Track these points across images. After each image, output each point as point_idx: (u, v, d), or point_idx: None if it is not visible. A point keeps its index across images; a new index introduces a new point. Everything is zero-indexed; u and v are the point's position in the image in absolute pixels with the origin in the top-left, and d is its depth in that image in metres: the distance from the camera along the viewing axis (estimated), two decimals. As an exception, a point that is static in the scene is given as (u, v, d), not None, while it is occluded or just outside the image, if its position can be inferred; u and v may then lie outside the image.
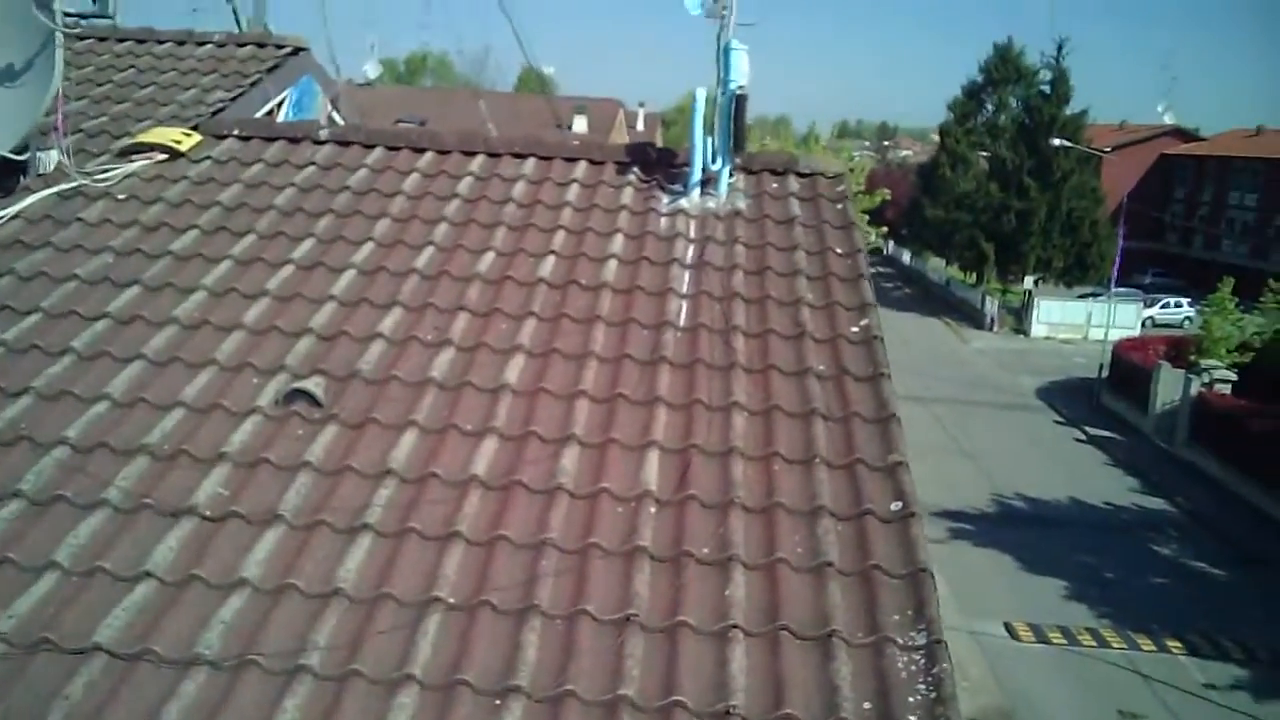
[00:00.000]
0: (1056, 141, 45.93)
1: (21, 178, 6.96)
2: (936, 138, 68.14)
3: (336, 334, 5.52)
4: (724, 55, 7.06)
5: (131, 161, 7.30)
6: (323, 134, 7.84)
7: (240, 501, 4.31)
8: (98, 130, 7.84)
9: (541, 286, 6.04)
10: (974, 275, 58.36)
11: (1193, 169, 69.70)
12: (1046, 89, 53.68)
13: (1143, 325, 50.95)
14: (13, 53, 6.71)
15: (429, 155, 7.61)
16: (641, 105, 62.38)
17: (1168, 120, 75.23)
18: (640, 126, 63.64)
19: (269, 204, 6.85)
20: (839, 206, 7.11)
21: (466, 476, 4.49)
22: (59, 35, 6.67)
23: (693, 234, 6.69)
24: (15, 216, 6.56)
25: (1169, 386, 33.64)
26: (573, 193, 7.15)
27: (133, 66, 9.13)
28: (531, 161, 7.58)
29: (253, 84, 8.82)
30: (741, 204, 7.03)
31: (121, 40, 9.55)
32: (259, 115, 8.84)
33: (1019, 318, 51.51)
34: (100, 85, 8.68)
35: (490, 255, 6.34)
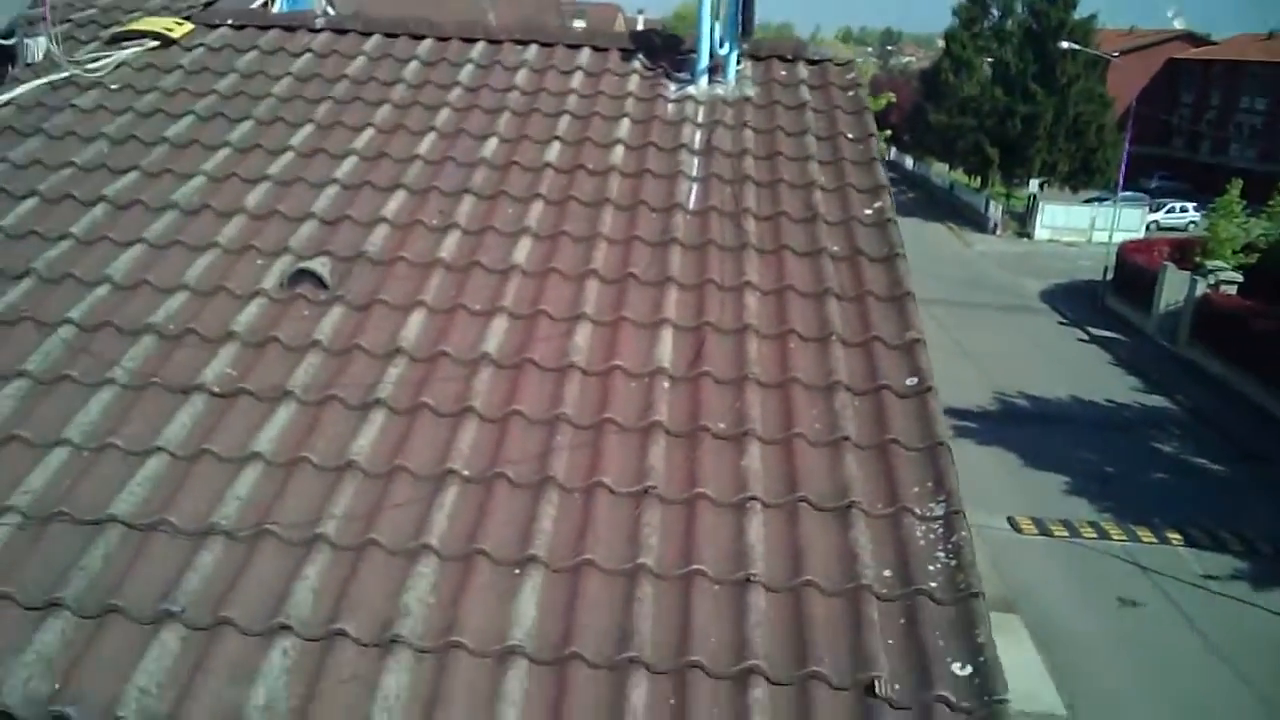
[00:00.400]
0: (1065, 44, 44.88)
1: (10, 67, 6.77)
2: (941, 44, 66.86)
3: (340, 218, 5.41)
4: (732, -65, 6.84)
5: (123, 49, 7.10)
6: (318, 22, 7.62)
7: (249, 379, 4.26)
8: (86, 20, 7.61)
9: (548, 171, 5.91)
10: (978, 180, 57.68)
11: (1201, 74, 68.34)
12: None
13: (1147, 229, 50.60)
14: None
15: (428, 43, 7.41)
16: (640, 13, 61.03)
17: (1178, 25, 73.62)
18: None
19: (266, 92, 6.68)
20: (850, 93, 6.94)
21: (477, 355, 4.43)
22: (43, -84, 6.44)
23: (701, 119, 6.53)
24: (7, 104, 6.41)
25: (1174, 287, 33.47)
26: (577, 80, 6.97)
27: (119, -46, 8.83)
28: (534, 49, 7.38)
29: (245, -27, 8.56)
30: (750, 91, 6.85)
31: (108, -73, 9.21)
32: (253, 7, 8.60)
33: (1022, 222, 51.08)
34: (87, -26, 8.40)
35: (494, 141, 6.19)
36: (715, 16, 6.90)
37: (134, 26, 7.28)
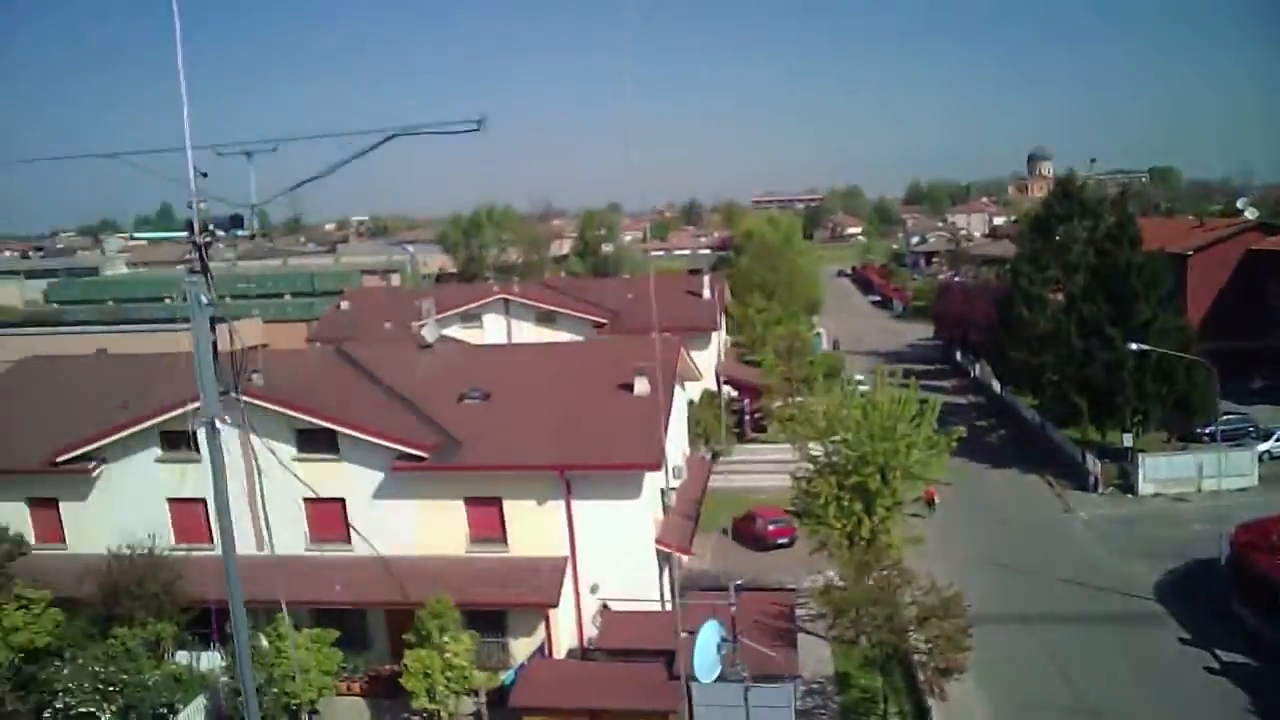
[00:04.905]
0: (1133, 346, 43.80)
1: None
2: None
3: None
4: None
5: None
6: None
7: None
8: None
9: None
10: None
11: (1283, 262, 65.73)
12: (1114, 233, 51.53)
13: (1260, 460, 48.14)
14: None
15: None
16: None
17: (1249, 216, 71.96)
18: (707, 293, 61.70)
19: None
20: None
21: None
22: None
23: None
24: None
25: (1307, 611, 31.09)
26: None
27: None
28: None
29: None
30: None
31: None
32: None
33: (1123, 472, 48.80)
34: None
35: None
36: None
37: None
